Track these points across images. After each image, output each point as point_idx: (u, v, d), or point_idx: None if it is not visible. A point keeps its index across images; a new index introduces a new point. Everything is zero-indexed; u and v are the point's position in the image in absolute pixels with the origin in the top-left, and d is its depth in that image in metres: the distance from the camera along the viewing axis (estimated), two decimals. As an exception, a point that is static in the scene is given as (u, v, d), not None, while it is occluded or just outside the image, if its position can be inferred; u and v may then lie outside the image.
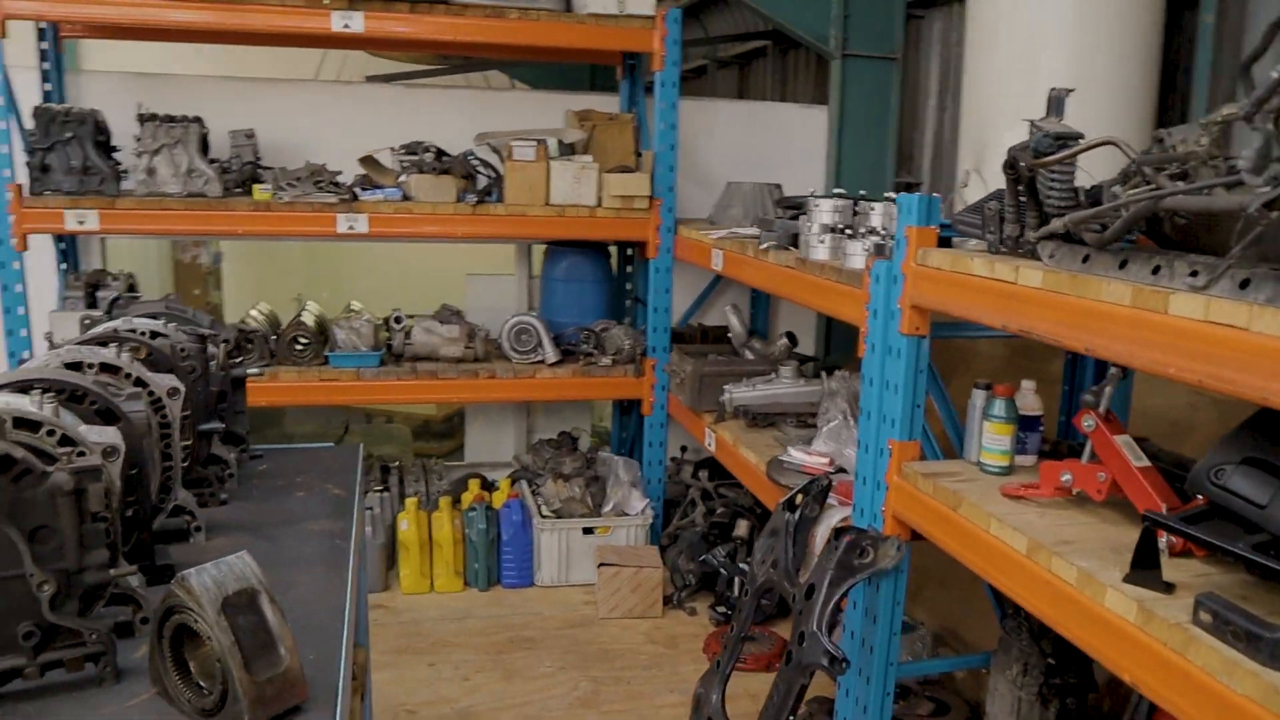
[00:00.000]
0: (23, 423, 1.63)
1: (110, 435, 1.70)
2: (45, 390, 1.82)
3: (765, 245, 3.98)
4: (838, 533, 2.94)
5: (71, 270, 5.11)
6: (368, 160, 4.97)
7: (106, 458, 1.67)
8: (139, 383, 2.10)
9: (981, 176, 3.92)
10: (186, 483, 2.39)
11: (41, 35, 5.02)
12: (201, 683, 1.50)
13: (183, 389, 2.14)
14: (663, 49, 4.94)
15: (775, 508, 3.31)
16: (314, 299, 5.49)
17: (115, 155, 4.76)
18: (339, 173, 4.87)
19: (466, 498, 5.20)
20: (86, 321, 2.76)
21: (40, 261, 4.94)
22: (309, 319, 5.18)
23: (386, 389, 5.02)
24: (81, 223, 4.54)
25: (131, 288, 4.86)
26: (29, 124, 4.59)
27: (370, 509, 5.03)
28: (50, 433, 1.63)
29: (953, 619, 4.25)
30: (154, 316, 2.62)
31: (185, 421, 2.35)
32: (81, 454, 1.64)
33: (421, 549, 4.98)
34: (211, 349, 2.50)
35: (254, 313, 5.34)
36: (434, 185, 4.86)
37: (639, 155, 5.31)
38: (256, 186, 4.75)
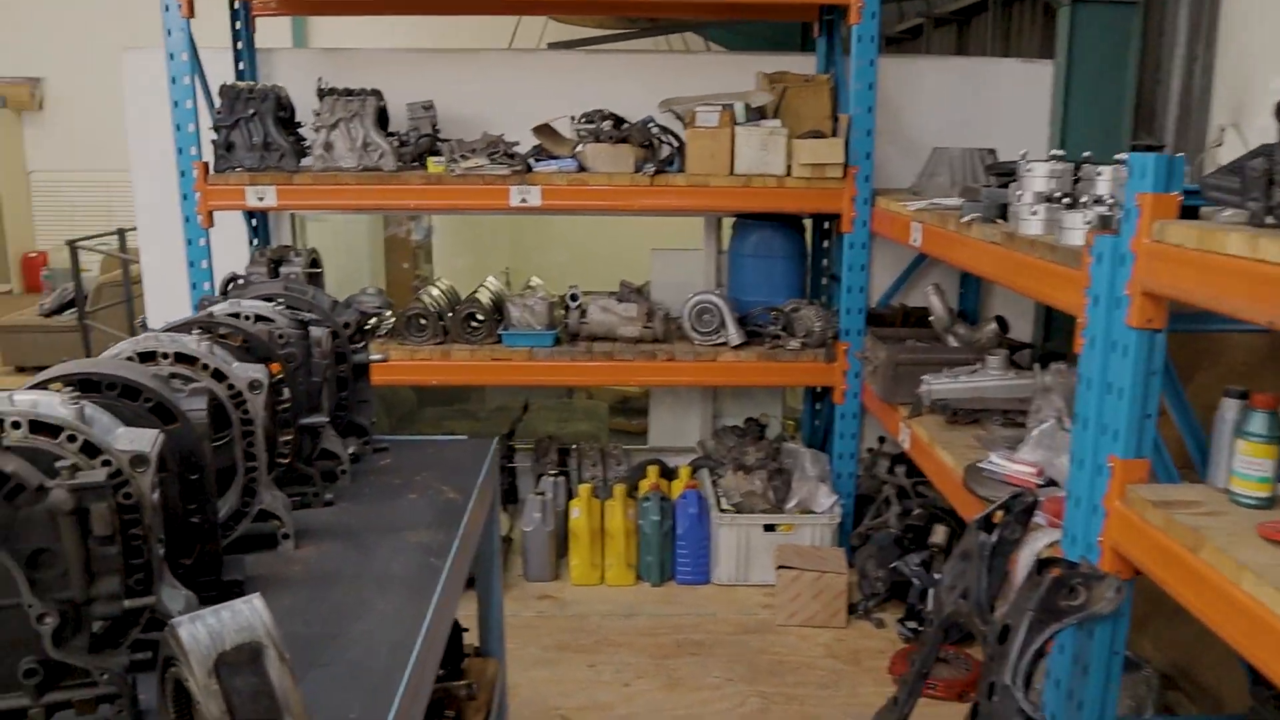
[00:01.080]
0: (42, 427, 1.43)
1: (142, 441, 1.47)
2: (99, 385, 1.63)
3: (968, 218, 3.46)
4: (1042, 564, 2.44)
5: (261, 246, 5.16)
6: (543, 130, 4.74)
7: (134, 468, 1.44)
8: (217, 375, 1.89)
9: (1241, 133, 3.24)
10: (287, 481, 2.20)
11: (235, 15, 5.06)
12: (206, 748, 1.25)
13: (265, 381, 1.92)
14: (860, -1, 4.44)
15: (968, 526, 2.83)
16: (522, 272, 5.33)
17: (299, 131, 4.75)
18: (516, 144, 4.67)
19: (643, 486, 4.93)
20: (205, 305, 2.62)
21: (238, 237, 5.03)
22: (485, 296, 5.03)
23: (560, 370, 4.80)
24: (261, 199, 4.53)
25: (314, 263, 4.82)
26: (218, 103, 4.62)
27: (542, 494, 4.84)
28: (72, 438, 1.43)
29: (1187, 655, 3.60)
30: (269, 299, 2.45)
31: (284, 414, 2.15)
32: (107, 463, 1.43)
33: (593, 539, 4.74)
34: (316, 333, 2.28)
35: (433, 290, 5.24)
36: (610, 155, 4.57)
37: (835, 120, 4.83)
38: (431, 159, 4.62)
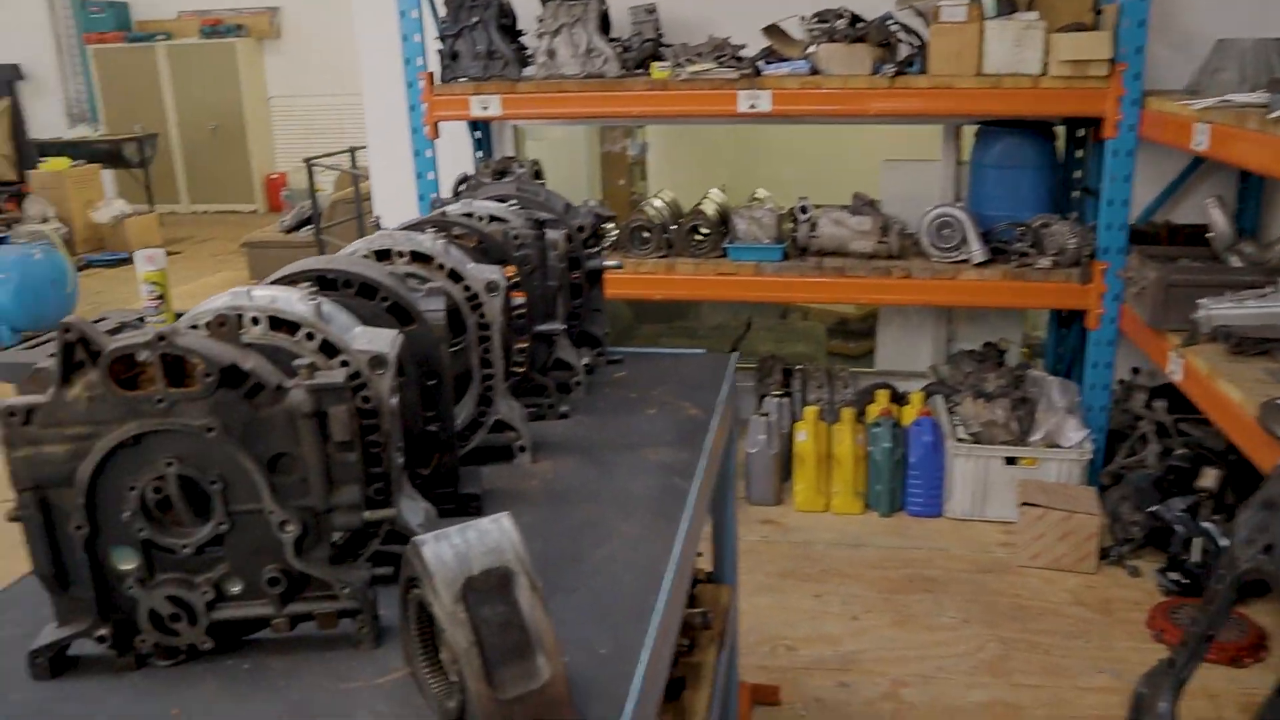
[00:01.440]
0: (281, 323, 1.34)
1: (381, 341, 1.37)
2: (335, 283, 1.54)
3: (1278, 113, 2.96)
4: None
5: (485, 158, 5.14)
6: (773, 30, 4.44)
7: (373, 369, 1.34)
8: (453, 275, 1.78)
9: None
10: (522, 391, 2.09)
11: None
12: (450, 673, 1.14)
13: (502, 284, 1.80)
14: None
15: (1273, 470, 2.44)
16: (739, 190, 5.12)
17: (521, 40, 4.65)
18: (743, 47, 4.41)
19: (872, 410, 4.66)
20: (437, 205, 2.53)
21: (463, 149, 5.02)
22: (710, 208, 4.84)
23: (787, 285, 4.57)
24: (485, 109, 4.48)
25: (537, 175, 4.76)
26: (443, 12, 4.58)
27: (766, 415, 4.66)
28: (310, 336, 1.34)
29: None
30: (502, 200, 2.34)
31: (519, 320, 2.03)
32: (345, 363, 1.33)
33: (819, 464, 4.53)
34: (552, 235, 2.15)
35: (656, 202, 5.08)
36: (846, 55, 4.24)
37: (1098, 13, 4.30)
38: (655, 65, 4.42)
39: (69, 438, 1.19)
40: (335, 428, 1.21)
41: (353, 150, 8.43)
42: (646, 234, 4.69)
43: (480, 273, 1.81)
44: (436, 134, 4.59)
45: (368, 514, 1.27)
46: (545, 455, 1.91)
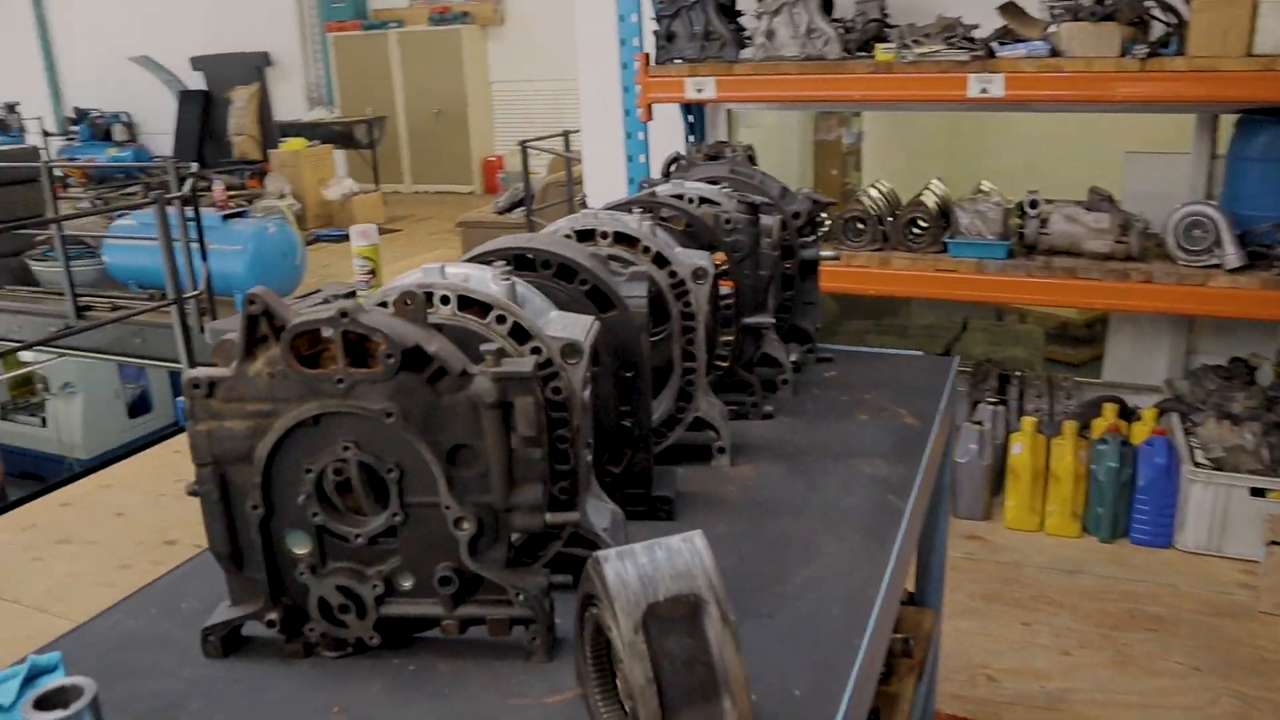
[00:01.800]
0: (472, 304, 1.25)
1: (576, 329, 1.26)
2: (533, 263, 1.45)
3: None
4: None
5: (697, 142, 5.03)
6: (1009, 9, 4.11)
7: (566, 358, 1.24)
8: (659, 260, 1.66)
9: None
10: (723, 387, 1.96)
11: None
12: (625, 704, 1.02)
13: (711, 270, 1.66)
14: None
15: None
16: (959, 182, 4.81)
17: (739, 20, 4.51)
18: (975, 27, 4.10)
19: (1098, 425, 4.27)
20: (646, 186, 2.42)
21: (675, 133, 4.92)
22: (930, 200, 4.55)
23: (1011, 285, 4.23)
24: (700, 91, 4.35)
25: (750, 160, 4.63)
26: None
27: (979, 424, 4.35)
28: (501, 319, 1.24)
29: None
30: (714, 182, 2.20)
31: (726, 311, 1.90)
32: (536, 350, 1.23)
33: (1034, 479, 4.19)
34: (767, 221, 2.00)
35: (871, 192, 4.84)
36: (1092, 35, 3.87)
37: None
38: (879, 46, 4.18)
39: (249, 414, 1.14)
40: (521, 421, 1.11)
41: (566, 134, 8.54)
42: (861, 225, 4.46)
43: (688, 258, 1.68)
44: (649, 116, 4.51)
45: (550, 516, 1.16)
46: (746, 458, 1.77)
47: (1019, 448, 4.18)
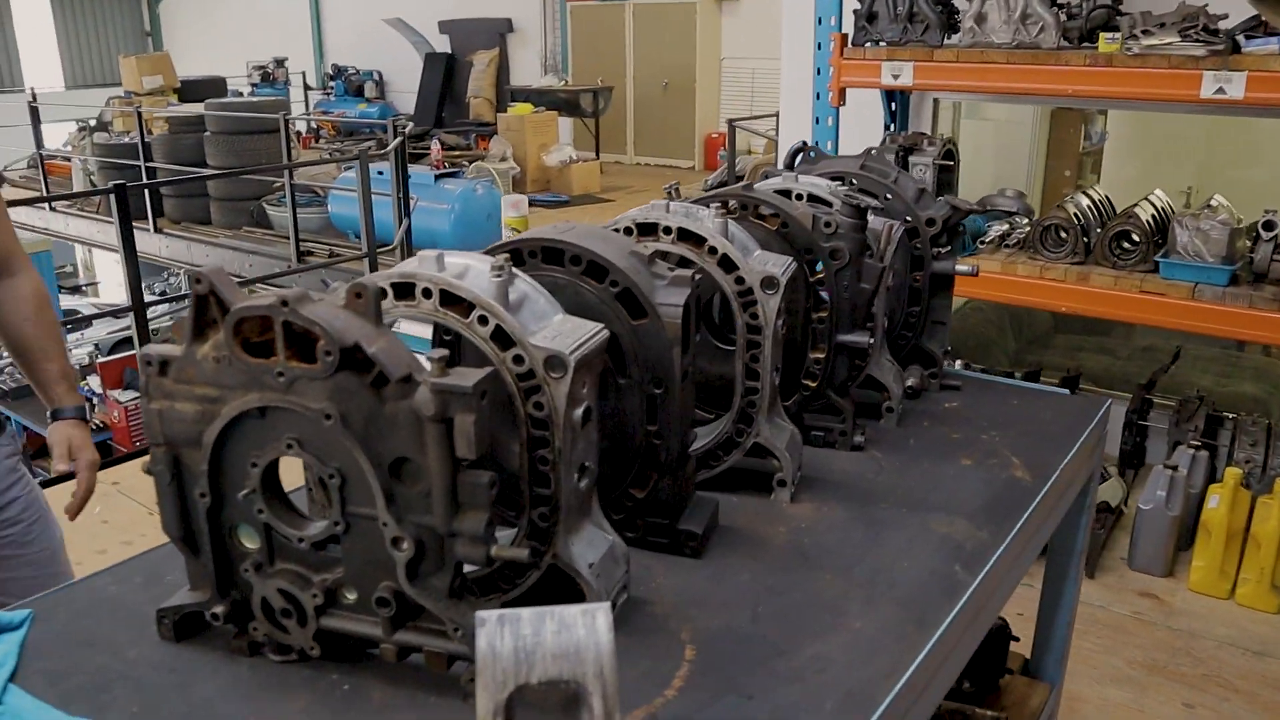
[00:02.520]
0: (455, 300, 1.13)
1: (564, 340, 1.11)
2: (561, 257, 1.31)
3: None
4: None
5: (895, 132, 4.72)
6: None
7: (549, 372, 1.09)
8: (725, 263, 1.49)
9: None
10: (809, 409, 1.76)
11: None
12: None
13: (782, 280, 1.47)
14: None
15: None
16: (1209, 194, 4.28)
17: (951, 2, 4.17)
18: (1223, 17, 3.61)
19: (1321, 485, 3.72)
20: (764, 177, 2.22)
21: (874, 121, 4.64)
22: (1145, 212, 4.07)
23: (1228, 317, 3.71)
24: (896, 77, 4.06)
25: (949, 155, 4.28)
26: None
27: (1174, 468, 3.87)
28: (483, 320, 1.11)
29: None
30: (839, 178, 1.99)
31: (819, 326, 1.70)
32: (520, 359, 1.10)
33: (1231, 539, 3.69)
34: (876, 225, 1.77)
35: (1081, 199, 4.38)
36: (1363, 37, 3.32)
37: None
38: (1104, 35, 3.75)
39: (197, 398, 1.07)
40: (460, 441, 0.98)
41: (777, 115, 8.30)
42: (1063, 234, 4.05)
43: (759, 264, 1.49)
44: (841, 101, 4.25)
45: (496, 550, 1.03)
46: (811, 495, 1.57)
47: (1216, 501, 3.69)
